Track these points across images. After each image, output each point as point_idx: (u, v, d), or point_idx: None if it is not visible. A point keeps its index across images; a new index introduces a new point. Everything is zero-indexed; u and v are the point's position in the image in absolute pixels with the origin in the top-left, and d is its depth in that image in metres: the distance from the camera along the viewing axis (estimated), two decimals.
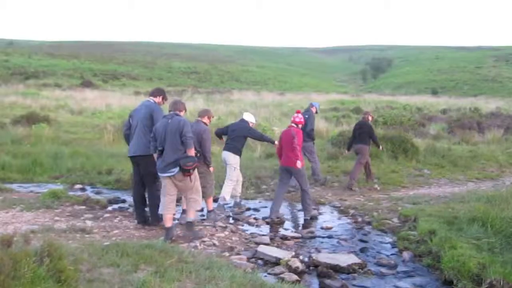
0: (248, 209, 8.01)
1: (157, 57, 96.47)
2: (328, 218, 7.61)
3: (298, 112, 7.93)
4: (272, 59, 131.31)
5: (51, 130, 14.18)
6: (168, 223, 5.97)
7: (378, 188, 9.98)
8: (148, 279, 3.90)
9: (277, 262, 5.22)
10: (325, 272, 5.00)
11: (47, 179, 9.60)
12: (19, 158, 10.49)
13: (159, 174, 6.01)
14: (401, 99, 41.36)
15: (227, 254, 5.48)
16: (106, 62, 74.90)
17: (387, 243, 6.30)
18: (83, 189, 8.93)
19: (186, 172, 5.80)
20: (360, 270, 5.15)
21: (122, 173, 9.58)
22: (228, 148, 7.92)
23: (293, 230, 6.84)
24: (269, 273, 4.93)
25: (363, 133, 10.06)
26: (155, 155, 6.02)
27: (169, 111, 6.11)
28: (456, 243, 5.28)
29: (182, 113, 6.12)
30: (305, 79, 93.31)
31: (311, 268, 5.18)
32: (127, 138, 6.67)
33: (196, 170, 6.05)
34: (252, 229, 6.77)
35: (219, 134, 8.52)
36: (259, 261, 5.32)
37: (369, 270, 5.18)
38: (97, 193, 8.68)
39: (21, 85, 35.70)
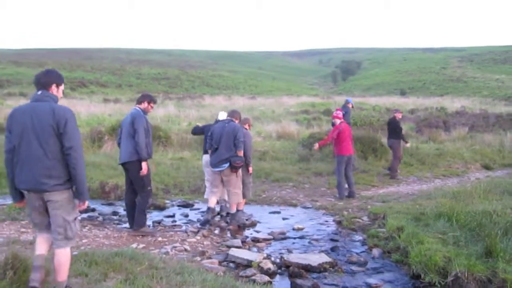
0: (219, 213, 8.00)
1: (126, 63, 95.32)
2: (299, 219, 7.67)
3: (338, 110, 9.75)
4: (244, 63, 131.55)
5: None
6: (211, 203, 7.16)
7: None
8: (117, 287, 3.86)
9: (248, 264, 5.23)
10: (296, 272, 5.04)
11: None
12: None
13: (212, 168, 7.15)
14: (371, 100, 42.03)
15: (198, 258, 5.46)
16: (73, 70, 73.49)
17: (357, 241, 6.40)
18: None
19: (234, 168, 6.96)
20: (331, 268, 5.22)
21: (91, 182, 9.41)
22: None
23: (265, 232, 6.87)
24: (240, 276, 4.94)
25: (392, 130, 11.43)
26: (209, 152, 7.27)
27: (228, 118, 7.36)
28: (423, 238, 5.41)
29: (237, 121, 7.29)
30: (276, 82, 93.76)
31: (282, 268, 5.22)
32: (119, 147, 6.68)
33: (241, 169, 7.16)
34: (225, 234, 6.78)
35: (194, 133, 8.58)
36: (231, 264, 5.33)
37: (339, 268, 5.25)
38: None
39: None
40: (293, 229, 6.98)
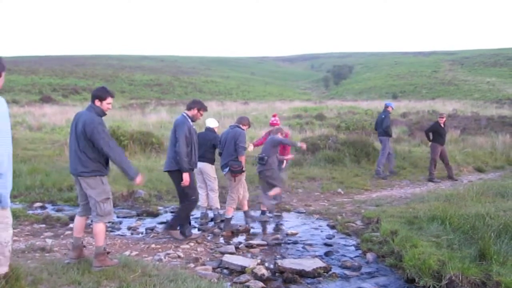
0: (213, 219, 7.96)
1: (118, 70, 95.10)
2: (293, 224, 7.66)
3: (274, 116, 9.47)
4: (236, 69, 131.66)
5: None
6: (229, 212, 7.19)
7: (342, 192, 10.13)
8: None
9: (242, 270, 5.21)
10: (290, 277, 5.02)
11: None
12: None
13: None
14: (363, 104, 42.18)
15: (192, 265, 5.43)
16: (65, 77, 73.24)
17: (351, 245, 6.39)
18: (43, 207, 8.65)
19: (233, 173, 7.00)
20: (325, 273, 5.20)
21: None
22: (205, 159, 7.57)
23: (259, 237, 6.84)
24: (234, 282, 4.91)
25: (432, 133, 12.03)
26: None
27: (235, 123, 7.45)
28: (416, 242, 5.42)
29: (245, 127, 7.35)
30: (269, 87, 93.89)
31: (276, 274, 5.19)
32: None
33: (243, 175, 7.25)
34: (218, 240, 6.75)
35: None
36: (225, 271, 5.29)
37: (334, 273, 5.23)
38: (58, 210, 8.44)
39: None
40: (287, 234, 6.96)
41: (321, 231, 7.19)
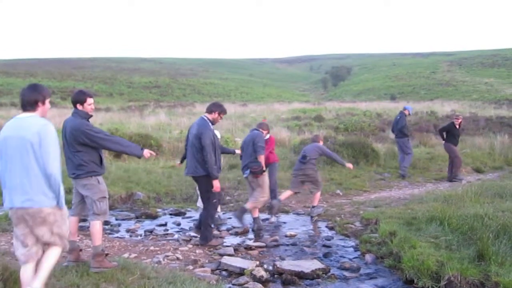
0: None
1: (117, 72, 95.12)
2: (292, 225, 7.66)
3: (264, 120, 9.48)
4: (235, 71, 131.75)
5: None
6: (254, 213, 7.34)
7: (341, 194, 10.13)
8: None
9: (241, 272, 5.20)
10: (289, 279, 5.02)
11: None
12: None
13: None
14: (361, 106, 42.22)
15: (191, 267, 5.43)
16: (64, 79, 73.28)
17: (350, 247, 6.39)
18: None
19: (254, 174, 7.16)
20: (324, 275, 5.20)
21: None
22: None
23: (258, 239, 6.84)
24: (233, 284, 4.92)
25: (446, 133, 12.05)
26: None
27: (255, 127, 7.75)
28: (415, 243, 5.41)
29: (264, 132, 7.66)
30: (267, 89, 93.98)
31: (275, 276, 5.19)
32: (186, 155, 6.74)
33: (265, 175, 7.38)
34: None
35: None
36: (224, 273, 5.29)
37: (332, 274, 5.23)
38: None
39: None
40: (286, 235, 6.96)
41: (320, 233, 7.19)
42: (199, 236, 6.54)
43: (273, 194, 8.37)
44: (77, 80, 74.69)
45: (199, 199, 7.80)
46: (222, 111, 6.41)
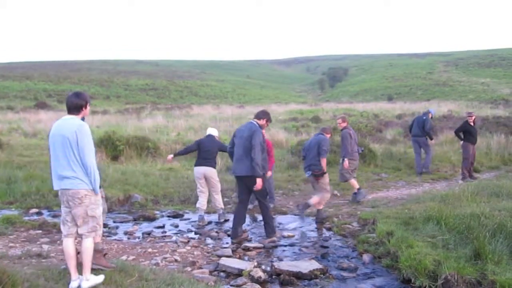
0: (210, 222, 7.99)
1: (114, 74, 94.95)
2: (290, 226, 7.67)
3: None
4: (231, 72, 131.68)
5: (4, 154, 13.70)
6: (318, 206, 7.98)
7: (338, 194, 10.16)
8: None
9: (239, 273, 5.22)
10: (287, 280, 5.04)
11: (0, 205, 9.25)
12: None
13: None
14: (358, 107, 42.29)
15: (189, 269, 5.44)
16: (60, 82, 73.10)
17: (347, 247, 6.42)
18: (39, 213, 8.63)
19: (315, 176, 7.96)
20: (322, 275, 5.22)
21: None
22: (209, 163, 8.12)
23: (255, 240, 6.85)
24: (231, 285, 4.93)
25: (463, 133, 12.09)
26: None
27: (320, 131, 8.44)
28: (412, 242, 5.44)
29: (327, 135, 8.33)
30: (264, 91, 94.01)
31: (273, 277, 5.20)
32: (231, 155, 7.14)
33: (327, 176, 8.09)
34: (214, 242, 6.76)
35: (190, 151, 8.79)
36: (222, 274, 5.30)
37: (330, 274, 5.25)
38: (54, 216, 8.41)
39: None
40: (283, 236, 6.98)
41: (318, 233, 7.21)
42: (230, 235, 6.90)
43: (270, 195, 8.57)
44: (73, 83, 74.54)
45: (199, 200, 7.95)
46: (269, 118, 7.00)
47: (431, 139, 12.78)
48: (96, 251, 4.80)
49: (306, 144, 8.47)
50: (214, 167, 8.18)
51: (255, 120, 6.88)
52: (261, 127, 6.79)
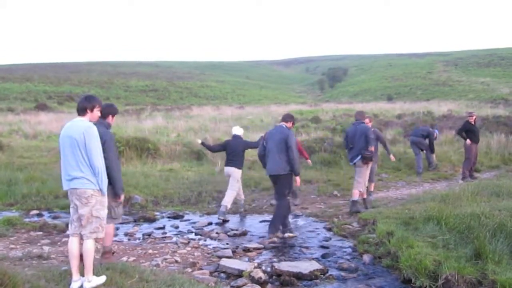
0: (211, 223, 8.00)
1: (113, 76, 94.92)
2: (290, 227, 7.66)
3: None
4: (231, 73, 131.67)
5: (4, 156, 13.71)
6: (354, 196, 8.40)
7: (338, 195, 10.16)
8: None
9: (239, 274, 5.22)
10: (287, 280, 5.04)
11: (1, 207, 9.26)
12: None
13: (350, 163, 8.80)
14: (358, 107, 42.21)
15: (189, 270, 5.44)
16: (60, 84, 73.05)
17: (347, 247, 6.42)
18: (40, 215, 8.64)
19: (364, 160, 8.29)
20: (322, 276, 5.22)
21: None
22: (233, 164, 8.54)
23: (255, 241, 6.85)
24: (232, 286, 4.93)
25: (466, 132, 12.04)
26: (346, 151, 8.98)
27: (356, 119, 8.83)
28: (412, 242, 5.44)
29: (366, 121, 8.80)
30: (264, 91, 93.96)
31: (273, 277, 5.20)
32: (262, 158, 7.93)
33: (371, 163, 8.53)
34: (215, 243, 6.76)
35: (216, 150, 9.26)
36: (222, 275, 5.31)
37: (330, 275, 5.26)
38: (55, 217, 8.43)
39: None
40: (284, 237, 6.98)
41: (318, 234, 7.22)
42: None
43: (294, 194, 9.02)
44: (73, 84, 74.53)
45: (226, 197, 8.39)
46: (294, 121, 7.68)
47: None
48: (107, 252, 5.10)
49: (350, 133, 8.67)
50: (239, 167, 8.57)
51: (283, 123, 7.39)
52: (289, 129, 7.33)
